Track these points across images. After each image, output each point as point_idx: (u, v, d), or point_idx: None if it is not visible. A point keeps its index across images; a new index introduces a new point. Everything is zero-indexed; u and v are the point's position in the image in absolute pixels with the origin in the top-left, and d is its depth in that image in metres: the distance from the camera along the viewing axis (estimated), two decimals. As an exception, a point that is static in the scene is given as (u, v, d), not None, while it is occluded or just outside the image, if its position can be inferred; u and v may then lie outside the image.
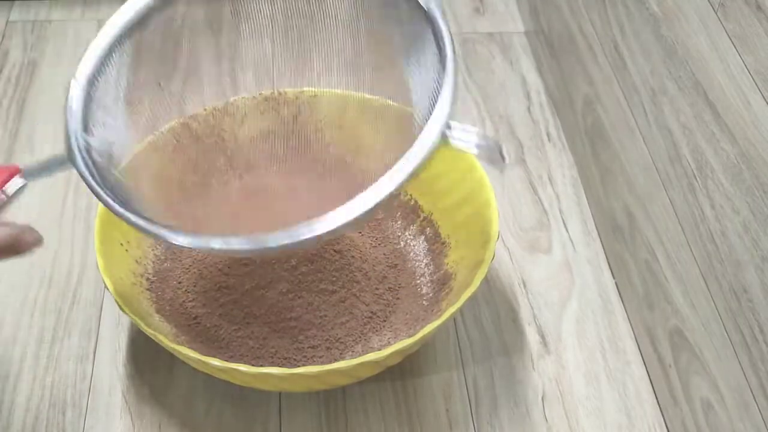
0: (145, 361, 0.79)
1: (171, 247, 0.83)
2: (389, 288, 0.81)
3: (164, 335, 0.71)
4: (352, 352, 0.76)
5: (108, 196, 0.60)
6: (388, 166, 0.56)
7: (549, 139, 1.00)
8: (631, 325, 0.83)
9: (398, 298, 0.81)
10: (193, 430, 0.75)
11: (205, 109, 0.88)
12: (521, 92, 1.05)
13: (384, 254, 0.84)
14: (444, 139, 0.57)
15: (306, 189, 0.75)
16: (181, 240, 0.58)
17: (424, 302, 0.80)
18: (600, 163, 0.91)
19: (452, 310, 0.71)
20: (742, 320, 0.65)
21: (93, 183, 0.60)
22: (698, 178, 0.70)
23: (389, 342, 0.77)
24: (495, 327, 0.83)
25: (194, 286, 0.79)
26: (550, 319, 0.84)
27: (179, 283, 0.80)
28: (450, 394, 0.78)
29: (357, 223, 0.56)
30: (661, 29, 0.76)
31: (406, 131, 0.61)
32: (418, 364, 0.80)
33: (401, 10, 0.63)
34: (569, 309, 0.85)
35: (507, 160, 0.58)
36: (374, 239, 0.85)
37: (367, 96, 0.88)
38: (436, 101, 0.58)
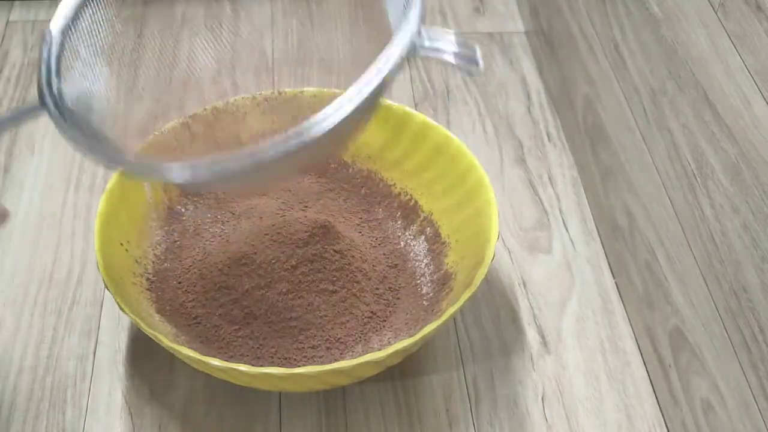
0: (145, 361, 0.79)
1: (170, 240, 0.83)
2: (389, 288, 0.81)
3: (164, 335, 0.71)
4: (352, 352, 0.76)
5: (78, 138, 0.60)
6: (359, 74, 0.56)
7: (549, 139, 1.00)
8: (631, 325, 0.84)
9: (398, 298, 0.81)
10: (193, 430, 0.75)
11: (205, 109, 0.88)
12: (521, 92, 1.05)
13: (384, 254, 0.84)
14: (417, 45, 0.57)
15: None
16: (175, 172, 0.57)
17: (424, 302, 0.80)
18: (600, 163, 0.91)
19: (452, 310, 0.71)
20: (742, 320, 0.65)
21: (64, 125, 0.60)
22: (698, 178, 0.70)
23: (389, 342, 0.77)
24: (495, 327, 0.83)
25: (194, 286, 0.79)
26: (550, 319, 0.84)
27: (179, 283, 0.80)
28: (450, 394, 0.78)
29: (334, 135, 0.56)
30: (661, 29, 0.76)
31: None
32: (418, 364, 0.80)
33: None
34: (569, 309, 0.85)
35: (481, 65, 0.58)
36: (374, 239, 0.85)
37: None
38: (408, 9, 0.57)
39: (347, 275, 0.79)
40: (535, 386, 0.79)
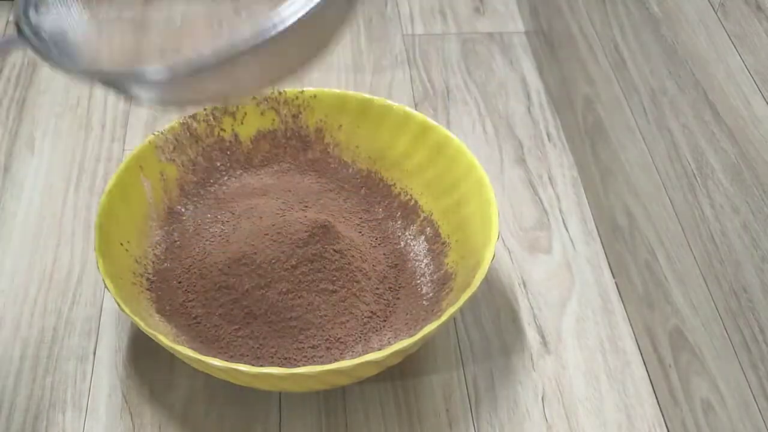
0: (145, 361, 0.79)
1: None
2: (389, 288, 0.81)
3: (164, 335, 0.71)
4: (352, 352, 0.76)
5: (55, 56, 0.60)
6: None
7: (549, 139, 1.00)
8: (631, 325, 0.84)
9: (398, 298, 0.81)
10: (193, 430, 0.75)
11: (205, 109, 0.88)
12: (521, 92, 1.05)
13: (384, 254, 0.84)
14: None
15: None
16: (150, 72, 0.57)
17: (424, 302, 0.80)
18: (600, 163, 0.91)
19: (452, 310, 0.71)
20: (742, 320, 0.65)
21: (40, 48, 0.60)
22: (698, 178, 0.70)
23: (389, 342, 0.77)
24: (495, 327, 0.83)
25: (194, 286, 0.79)
26: (550, 319, 0.84)
27: (179, 283, 0.80)
28: (450, 394, 0.78)
29: (311, 25, 0.56)
30: (661, 29, 0.76)
31: None
32: (418, 364, 0.80)
33: None
34: (569, 309, 0.85)
35: None
36: (374, 239, 0.85)
37: (367, 96, 0.89)
38: None
39: (347, 275, 0.79)
40: (535, 386, 0.79)
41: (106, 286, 0.73)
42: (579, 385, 0.79)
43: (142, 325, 0.70)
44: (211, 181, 0.88)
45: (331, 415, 0.77)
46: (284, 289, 0.77)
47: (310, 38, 0.61)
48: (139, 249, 0.81)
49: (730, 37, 0.66)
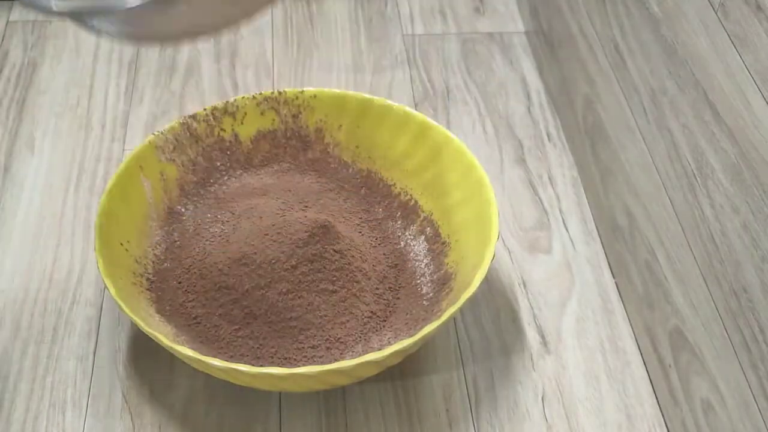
0: (145, 361, 0.79)
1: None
2: (389, 288, 0.81)
3: (164, 335, 0.71)
4: (352, 352, 0.76)
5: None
6: None
7: (549, 139, 1.00)
8: (631, 325, 0.83)
9: (398, 298, 0.81)
10: (193, 430, 0.75)
11: (205, 109, 0.88)
12: (521, 92, 1.05)
13: (384, 254, 0.84)
14: None
15: None
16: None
17: (424, 302, 0.80)
18: (600, 163, 0.91)
19: (452, 310, 0.71)
20: (742, 320, 0.65)
21: None
22: (698, 178, 0.70)
23: (389, 342, 0.77)
24: (495, 327, 0.83)
25: (194, 286, 0.79)
26: (550, 319, 0.84)
27: (179, 283, 0.80)
28: (450, 394, 0.78)
29: None
30: (661, 29, 0.76)
31: None
32: (418, 364, 0.80)
33: None
34: (569, 309, 0.85)
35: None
36: (374, 239, 0.85)
37: (367, 96, 0.89)
38: None
39: (347, 275, 0.79)
40: (535, 386, 0.79)
41: (106, 286, 0.73)
42: (579, 385, 0.79)
43: (142, 325, 0.70)
44: (211, 181, 0.88)
45: (331, 415, 0.77)
46: (284, 289, 0.77)
47: None
48: (139, 249, 0.81)
49: (730, 37, 0.66)
